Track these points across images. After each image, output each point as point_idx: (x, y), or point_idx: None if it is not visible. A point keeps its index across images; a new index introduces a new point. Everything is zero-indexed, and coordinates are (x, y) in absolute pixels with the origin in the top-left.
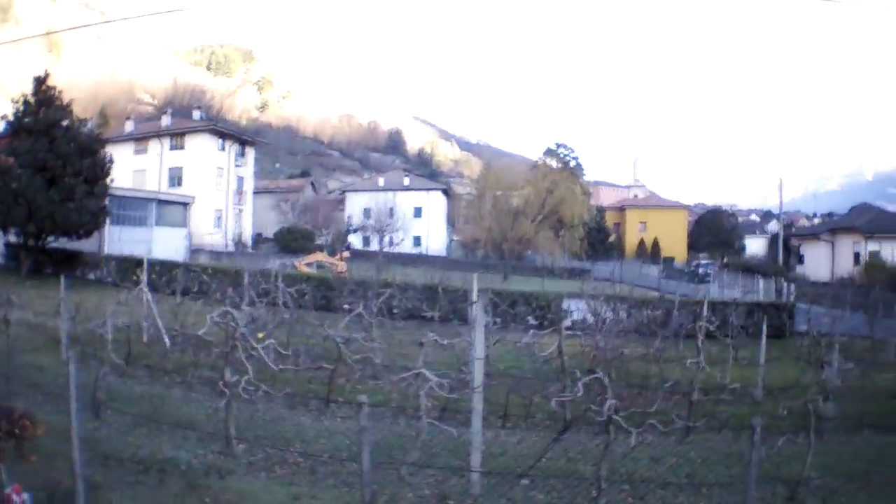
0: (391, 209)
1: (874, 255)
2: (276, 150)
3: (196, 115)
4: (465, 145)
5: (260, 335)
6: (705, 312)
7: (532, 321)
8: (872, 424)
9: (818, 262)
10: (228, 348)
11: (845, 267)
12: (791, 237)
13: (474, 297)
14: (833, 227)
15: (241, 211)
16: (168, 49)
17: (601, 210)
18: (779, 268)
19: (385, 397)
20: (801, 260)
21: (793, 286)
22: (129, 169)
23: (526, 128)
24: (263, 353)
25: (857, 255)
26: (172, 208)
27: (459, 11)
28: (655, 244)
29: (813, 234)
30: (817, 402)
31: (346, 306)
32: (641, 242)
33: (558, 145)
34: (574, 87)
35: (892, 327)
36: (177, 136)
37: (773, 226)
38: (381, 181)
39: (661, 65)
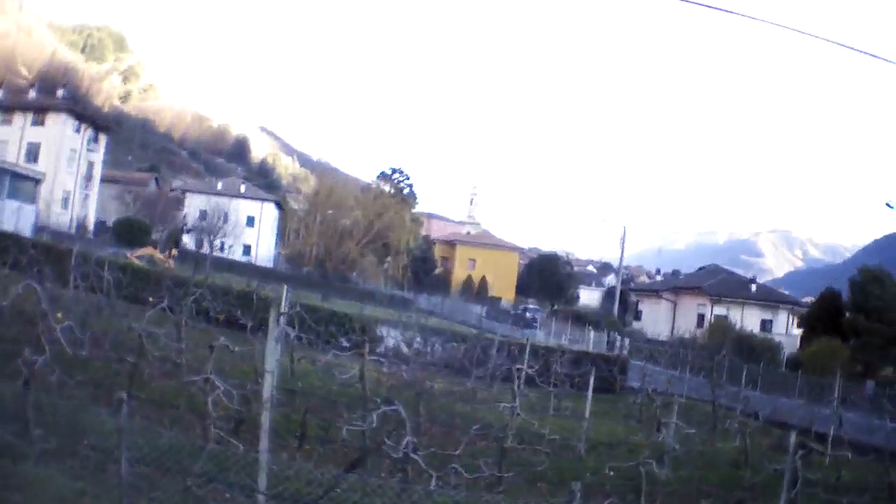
0: (225, 214)
1: (720, 318)
2: (130, 141)
3: (59, 93)
4: (306, 161)
5: (59, 315)
6: (527, 356)
7: (344, 343)
8: (711, 494)
9: (657, 319)
10: (34, 325)
11: (687, 327)
12: (630, 291)
13: (283, 308)
14: (679, 285)
15: (87, 196)
16: (49, 25)
17: (430, 241)
18: (613, 320)
19: (188, 400)
20: (638, 316)
21: (627, 340)
22: None
23: (367, 152)
24: (62, 335)
25: (701, 317)
26: (24, 183)
27: (315, 27)
28: (483, 283)
29: (654, 291)
30: (650, 465)
31: (150, 299)
32: (469, 279)
33: (393, 170)
34: (419, 117)
35: (736, 394)
36: (40, 112)
37: (611, 279)
38: (219, 185)
39: (507, 103)
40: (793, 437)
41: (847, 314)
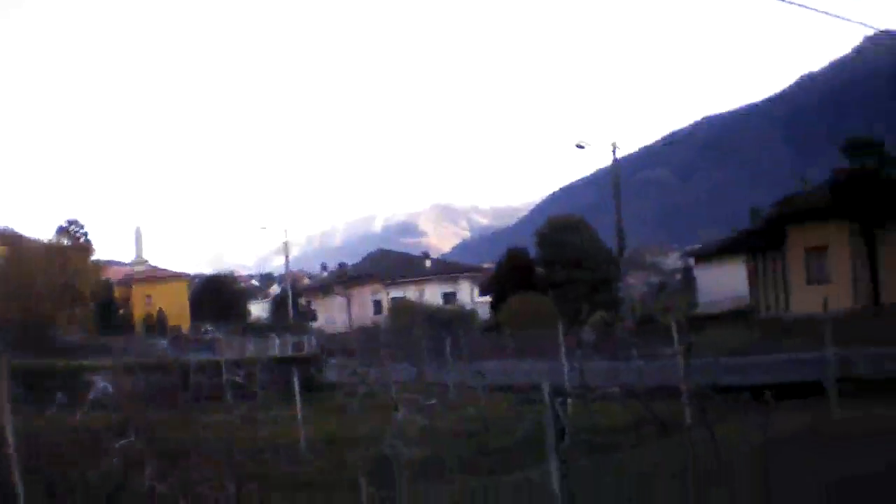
0: None
1: (400, 299)
2: None
3: None
4: None
5: None
6: (224, 371)
7: (60, 396)
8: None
9: (334, 315)
10: None
11: (366, 316)
12: (300, 295)
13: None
14: (348, 277)
15: None
16: None
17: (110, 286)
18: (290, 323)
19: None
20: (313, 316)
21: (313, 339)
22: None
23: (42, 209)
24: None
25: (377, 303)
26: None
27: None
28: (161, 315)
29: (323, 289)
30: (397, 447)
31: None
32: (149, 315)
33: (70, 222)
34: (85, 167)
35: (443, 367)
36: None
37: (275, 289)
38: None
39: (157, 136)
40: (546, 386)
41: (538, 269)
